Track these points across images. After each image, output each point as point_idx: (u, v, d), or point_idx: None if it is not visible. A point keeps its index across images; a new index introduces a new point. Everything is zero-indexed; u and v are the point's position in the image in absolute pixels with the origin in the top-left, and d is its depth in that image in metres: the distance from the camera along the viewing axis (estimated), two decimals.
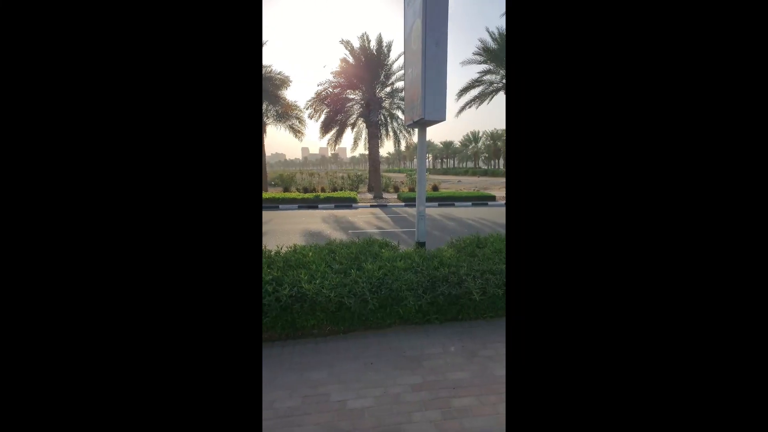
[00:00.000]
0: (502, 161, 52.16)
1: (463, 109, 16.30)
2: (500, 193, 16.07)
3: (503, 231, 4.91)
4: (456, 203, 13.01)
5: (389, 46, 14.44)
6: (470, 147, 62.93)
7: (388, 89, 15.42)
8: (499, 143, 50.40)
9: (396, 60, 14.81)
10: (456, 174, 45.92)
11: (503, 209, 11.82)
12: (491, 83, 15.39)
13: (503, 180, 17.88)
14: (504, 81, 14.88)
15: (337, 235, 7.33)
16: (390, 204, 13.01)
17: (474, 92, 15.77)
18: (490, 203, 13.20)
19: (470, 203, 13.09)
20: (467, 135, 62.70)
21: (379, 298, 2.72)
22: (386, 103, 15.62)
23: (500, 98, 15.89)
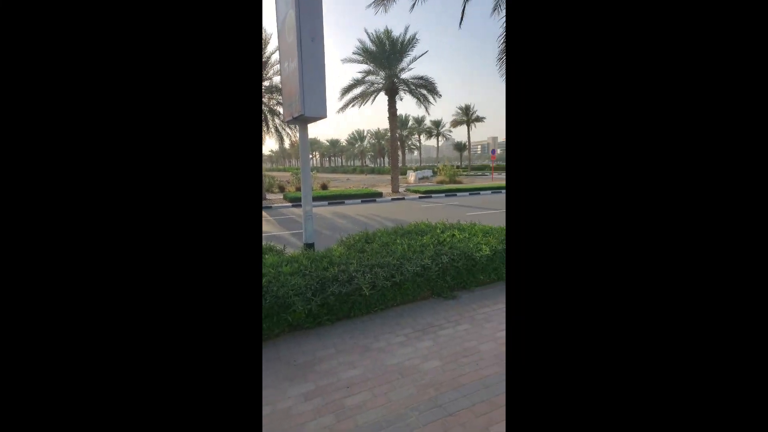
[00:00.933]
0: (387, 159, 55.15)
1: (346, 106, 16.54)
2: (386, 189, 16.95)
3: (391, 225, 5.17)
4: (346, 201, 13.16)
5: (266, 37, 13.58)
6: (357, 145, 64.60)
7: (266, 83, 14.50)
8: (383, 142, 53.00)
9: (274, 52, 14.03)
10: (345, 172, 46.50)
11: (391, 204, 12.51)
12: (373, 83, 16.02)
13: (389, 177, 18.88)
14: (384, 82, 15.68)
15: None
16: (275, 205, 12.34)
17: (357, 91, 16.16)
18: (378, 200, 13.78)
19: (360, 200, 13.42)
20: (353, 134, 64.14)
21: (264, 308, 2.51)
22: (266, 98, 14.68)
23: (383, 98, 16.61)
